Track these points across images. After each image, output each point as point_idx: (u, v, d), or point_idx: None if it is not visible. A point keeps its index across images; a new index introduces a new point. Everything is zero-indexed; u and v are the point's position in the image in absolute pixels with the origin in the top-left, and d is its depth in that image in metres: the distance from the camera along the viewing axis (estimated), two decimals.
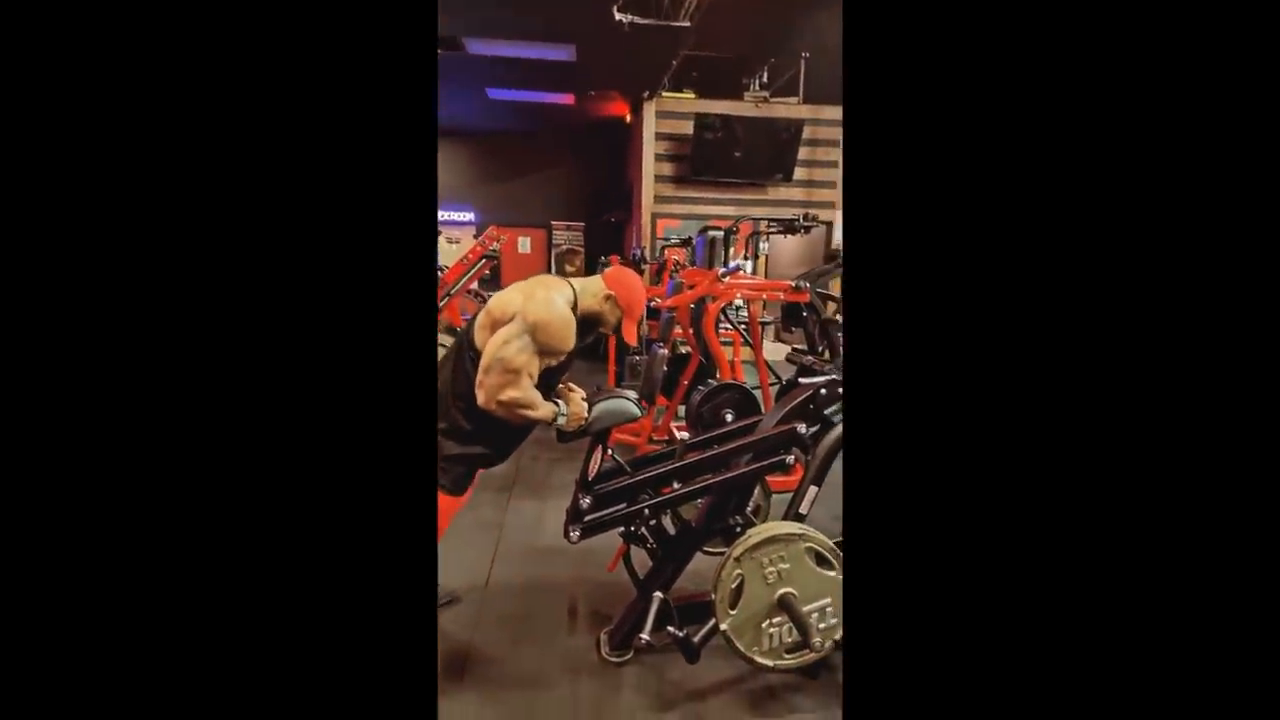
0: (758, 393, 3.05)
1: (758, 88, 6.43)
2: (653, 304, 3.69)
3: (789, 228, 4.16)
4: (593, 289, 1.63)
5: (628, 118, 7.31)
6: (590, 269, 8.24)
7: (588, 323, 1.67)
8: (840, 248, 5.81)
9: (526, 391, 1.51)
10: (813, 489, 1.61)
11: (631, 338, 1.68)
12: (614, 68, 5.78)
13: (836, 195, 6.79)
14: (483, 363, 1.49)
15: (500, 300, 1.55)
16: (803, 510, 1.61)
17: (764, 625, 1.49)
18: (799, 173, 6.55)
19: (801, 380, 1.67)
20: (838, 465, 1.88)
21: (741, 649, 1.49)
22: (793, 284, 2.99)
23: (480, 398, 1.50)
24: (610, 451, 1.80)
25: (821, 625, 1.48)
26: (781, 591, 1.47)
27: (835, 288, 3.62)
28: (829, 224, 6.62)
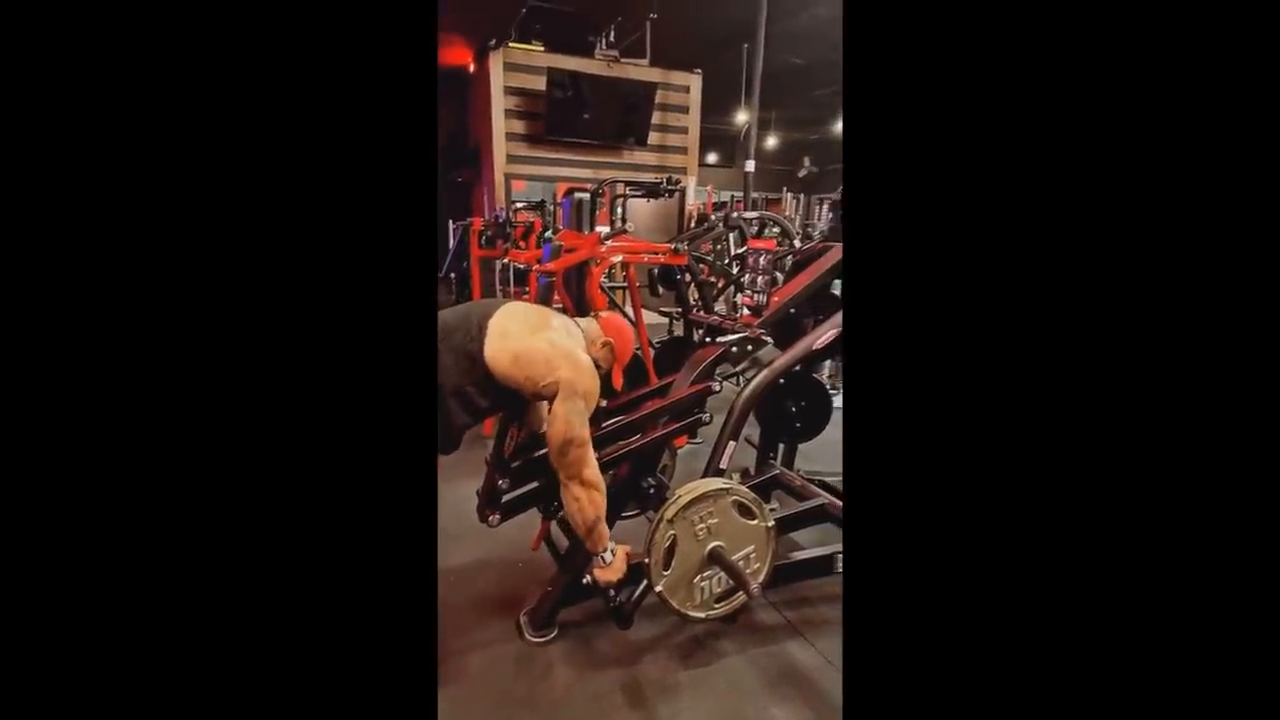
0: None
1: (604, 46, 6.29)
2: (522, 267, 3.50)
3: (652, 192, 4.16)
4: (592, 335, 1.60)
5: (471, 67, 6.76)
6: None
7: None
8: (706, 211, 6.01)
9: (598, 474, 1.47)
10: (731, 444, 1.66)
11: (619, 383, 1.68)
12: (455, 9, 5.27)
13: (687, 160, 6.98)
14: (556, 443, 1.41)
15: (533, 351, 1.43)
16: (722, 465, 1.65)
17: (695, 580, 1.53)
18: (652, 137, 6.61)
19: (718, 340, 1.69)
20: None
21: (675, 606, 1.51)
22: (672, 247, 3.02)
23: (562, 475, 1.45)
24: (521, 427, 1.70)
25: (748, 571, 1.55)
26: (712, 545, 1.51)
27: (706, 250, 3.74)
28: (684, 189, 6.80)
